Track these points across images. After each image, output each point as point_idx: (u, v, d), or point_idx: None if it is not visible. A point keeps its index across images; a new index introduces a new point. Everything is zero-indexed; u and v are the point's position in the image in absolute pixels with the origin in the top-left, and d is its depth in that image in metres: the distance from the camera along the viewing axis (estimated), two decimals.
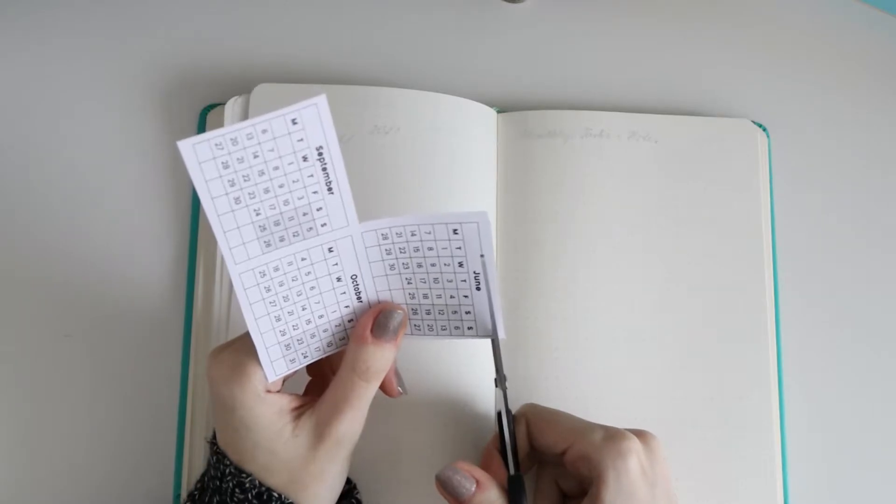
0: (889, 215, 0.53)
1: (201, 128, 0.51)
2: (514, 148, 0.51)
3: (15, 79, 0.52)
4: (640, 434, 0.40)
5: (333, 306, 0.40)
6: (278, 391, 0.39)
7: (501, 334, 0.40)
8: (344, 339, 0.41)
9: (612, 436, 0.39)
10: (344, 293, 0.40)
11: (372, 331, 0.39)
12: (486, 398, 0.47)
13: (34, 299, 0.49)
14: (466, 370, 0.47)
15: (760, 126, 0.53)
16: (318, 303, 0.39)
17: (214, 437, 0.40)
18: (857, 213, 0.53)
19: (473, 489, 0.39)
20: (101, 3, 0.54)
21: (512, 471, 0.40)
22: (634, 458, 0.38)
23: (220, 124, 0.50)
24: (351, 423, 0.38)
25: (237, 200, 0.35)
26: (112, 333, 0.48)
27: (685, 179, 0.51)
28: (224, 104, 0.50)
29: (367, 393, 0.39)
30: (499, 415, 0.41)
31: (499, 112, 0.52)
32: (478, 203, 0.49)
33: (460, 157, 0.50)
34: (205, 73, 0.53)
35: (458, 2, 0.56)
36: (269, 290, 0.38)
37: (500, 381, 0.41)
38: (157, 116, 0.52)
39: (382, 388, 0.41)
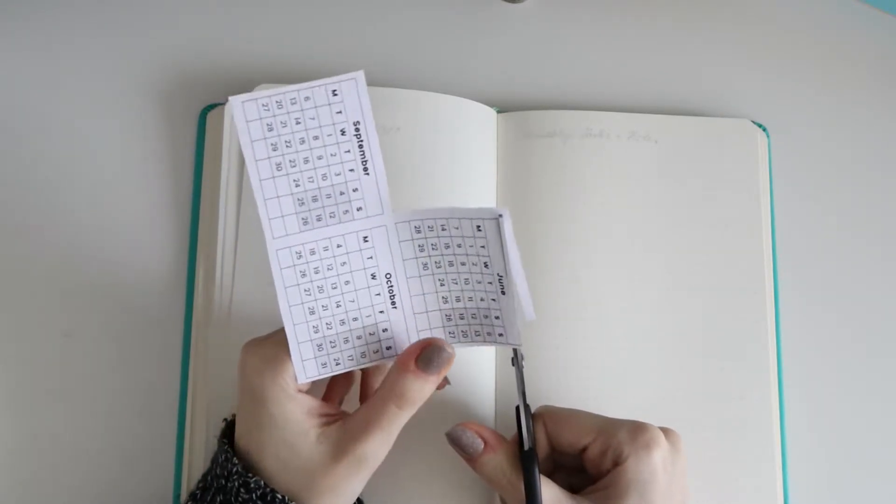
0: (889, 215, 0.53)
1: (201, 128, 0.51)
2: (514, 148, 0.51)
3: (15, 79, 0.52)
4: (663, 430, 0.41)
5: (368, 309, 0.39)
6: (308, 391, 0.40)
7: (531, 315, 0.39)
8: (378, 352, 0.40)
9: (638, 428, 0.40)
10: (378, 294, 0.39)
11: (417, 361, 0.39)
12: (487, 397, 0.47)
13: (34, 299, 0.49)
14: (468, 371, 0.47)
15: (760, 126, 0.53)
16: (353, 301, 0.39)
17: (224, 434, 0.40)
18: (857, 212, 0.53)
19: (482, 448, 0.41)
20: (102, 4, 0.54)
21: (526, 446, 0.40)
22: (658, 450, 0.39)
23: (220, 124, 0.50)
24: (376, 444, 0.38)
25: (278, 167, 0.37)
26: (112, 332, 0.48)
27: (685, 179, 0.51)
28: (224, 104, 0.50)
29: (398, 420, 0.39)
30: (517, 409, 0.41)
31: (499, 112, 0.52)
32: (478, 203, 0.49)
33: (460, 157, 0.50)
34: (205, 73, 0.53)
35: (458, 2, 0.56)
36: (304, 274, 0.38)
37: (517, 359, 0.41)
38: (157, 116, 0.52)
39: None
